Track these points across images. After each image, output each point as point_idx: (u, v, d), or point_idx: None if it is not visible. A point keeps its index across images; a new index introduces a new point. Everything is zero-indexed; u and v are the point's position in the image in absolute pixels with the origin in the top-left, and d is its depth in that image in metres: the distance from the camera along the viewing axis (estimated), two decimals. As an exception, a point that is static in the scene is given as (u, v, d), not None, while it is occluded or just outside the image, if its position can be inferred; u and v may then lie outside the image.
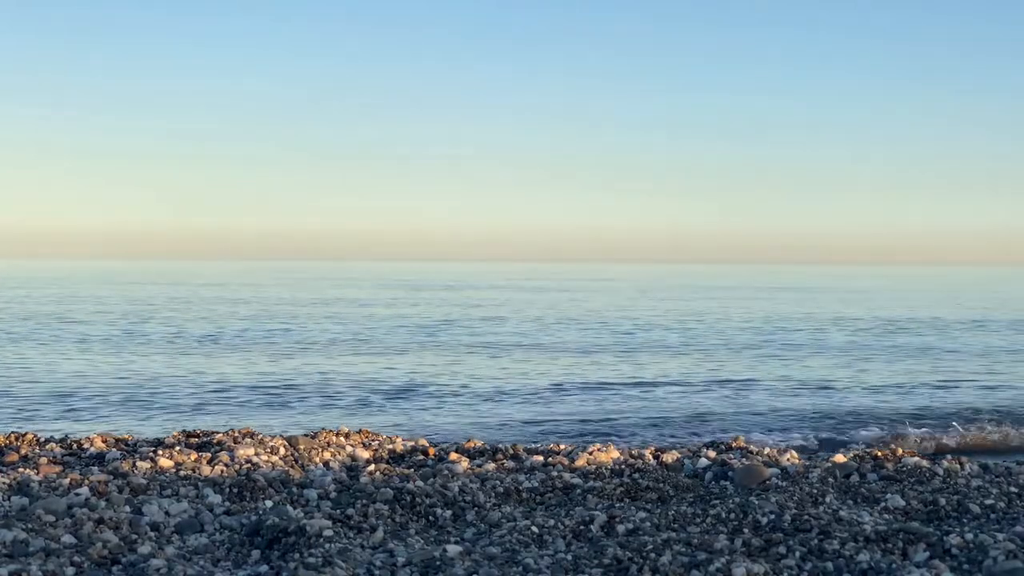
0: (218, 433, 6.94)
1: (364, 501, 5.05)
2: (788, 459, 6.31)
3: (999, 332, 28.26)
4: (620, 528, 4.71)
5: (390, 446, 6.71)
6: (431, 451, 6.59)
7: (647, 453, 6.42)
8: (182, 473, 5.62)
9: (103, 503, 4.89)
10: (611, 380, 16.78)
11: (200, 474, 5.60)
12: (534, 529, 4.65)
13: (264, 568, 4.13)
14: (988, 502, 5.22)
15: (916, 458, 6.27)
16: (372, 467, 5.85)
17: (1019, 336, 26.94)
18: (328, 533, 4.46)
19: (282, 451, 6.24)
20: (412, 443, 6.83)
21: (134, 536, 4.46)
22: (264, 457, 6.03)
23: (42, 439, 6.77)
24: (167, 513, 4.81)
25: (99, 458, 6.15)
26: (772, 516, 4.77)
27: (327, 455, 6.24)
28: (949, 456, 6.39)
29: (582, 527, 4.71)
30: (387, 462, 6.25)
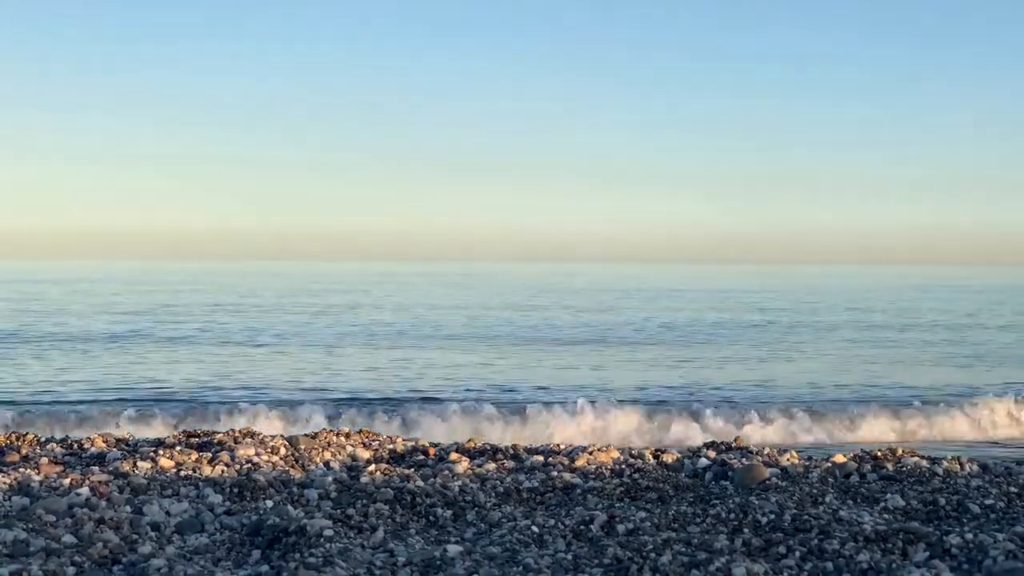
0: (219, 433, 6.95)
1: (364, 501, 5.06)
2: (788, 459, 6.31)
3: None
4: (620, 528, 4.71)
5: (390, 446, 6.71)
6: (431, 451, 6.59)
7: (647, 453, 6.42)
8: (183, 473, 5.62)
9: (104, 503, 4.89)
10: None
11: (201, 474, 5.60)
12: (534, 529, 4.66)
13: (265, 568, 4.14)
14: (988, 502, 5.23)
15: (916, 458, 6.27)
16: (372, 467, 5.85)
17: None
18: (328, 533, 4.47)
19: (283, 451, 6.24)
20: (412, 443, 6.83)
21: (135, 536, 4.47)
22: (265, 457, 6.03)
23: (43, 439, 6.78)
24: (168, 513, 4.82)
25: (100, 458, 6.15)
26: (772, 516, 4.78)
27: (328, 455, 6.24)
28: (949, 456, 6.40)
29: (582, 527, 4.71)
30: (387, 462, 6.25)
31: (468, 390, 15.52)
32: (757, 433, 12.95)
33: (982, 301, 47.22)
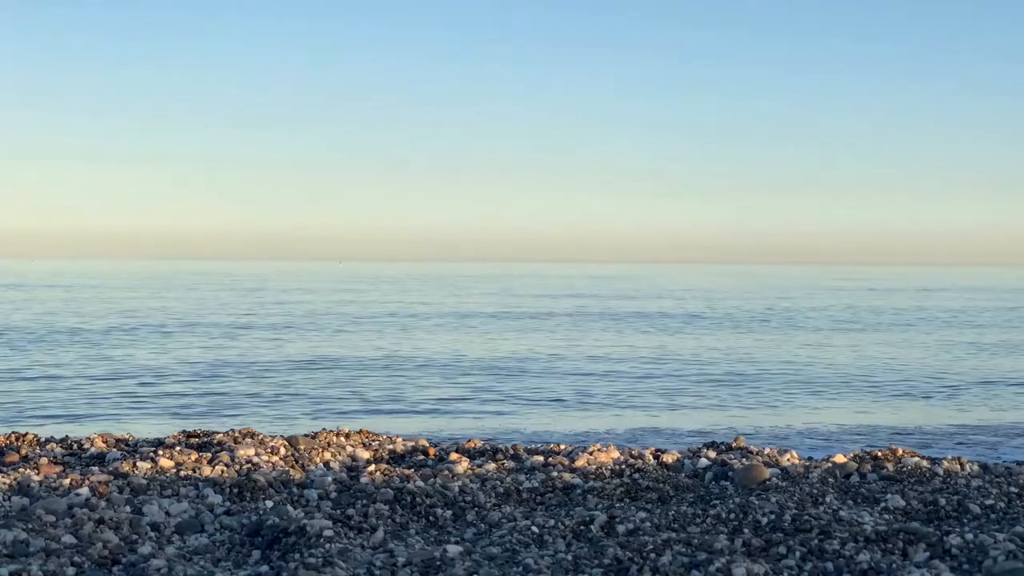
0: (218, 433, 6.94)
1: (364, 501, 5.05)
2: (788, 459, 6.31)
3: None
4: (620, 528, 4.71)
5: (390, 446, 6.71)
6: (431, 451, 6.59)
7: (647, 453, 6.42)
8: (182, 473, 5.62)
9: (103, 503, 4.89)
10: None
11: (200, 474, 5.60)
12: (534, 529, 4.65)
13: (264, 568, 4.14)
14: (988, 502, 5.22)
15: (916, 458, 6.27)
16: (372, 467, 5.85)
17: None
18: (328, 533, 4.46)
19: (282, 451, 6.24)
20: (412, 443, 6.83)
21: (134, 536, 4.47)
22: (264, 457, 6.03)
23: (42, 439, 6.78)
24: (167, 513, 4.81)
25: (99, 458, 6.15)
26: (772, 516, 4.77)
27: (327, 455, 6.24)
28: (949, 456, 6.40)
29: (582, 527, 4.71)
30: (387, 462, 6.25)
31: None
32: None
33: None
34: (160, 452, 5.98)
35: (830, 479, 5.82)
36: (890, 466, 6.07)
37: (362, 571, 4.06)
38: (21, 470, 5.65)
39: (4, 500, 4.97)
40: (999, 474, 5.90)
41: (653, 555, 4.20)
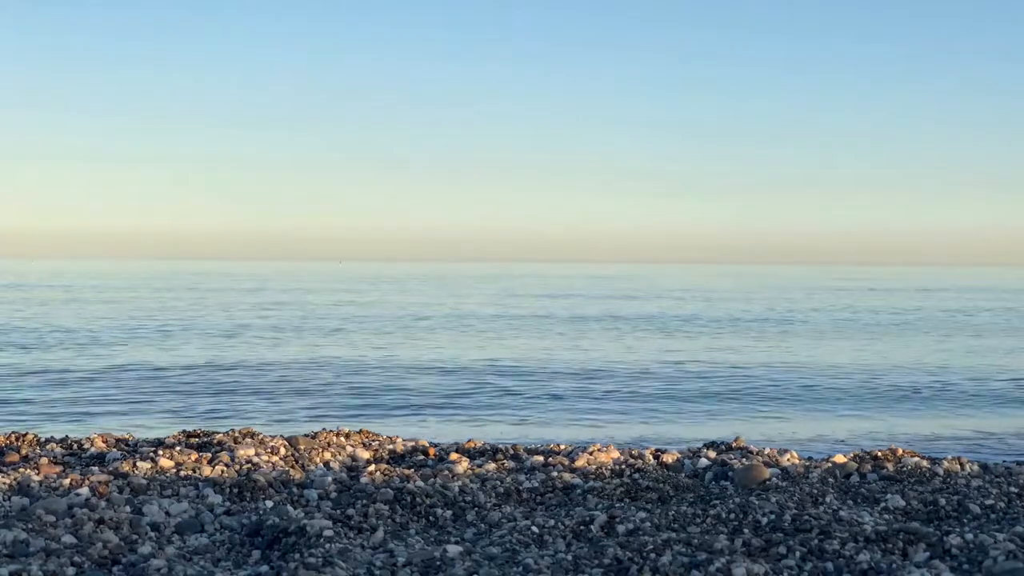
0: (218, 433, 6.95)
1: (364, 501, 5.06)
2: (788, 459, 6.31)
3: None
4: (620, 528, 4.71)
5: (390, 446, 6.71)
6: (431, 451, 6.59)
7: (647, 453, 6.42)
8: (182, 473, 5.62)
9: (103, 503, 4.89)
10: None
11: (200, 474, 5.60)
12: (534, 529, 4.65)
13: (264, 568, 4.14)
14: (988, 502, 5.23)
15: (916, 458, 6.27)
16: (372, 467, 5.85)
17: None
18: (328, 533, 4.47)
19: (282, 451, 6.24)
20: (412, 443, 6.83)
21: (134, 536, 4.47)
22: (264, 457, 6.03)
23: (42, 439, 6.78)
24: (167, 513, 4.81)
25: (99, 458, 6.15)
26: (772, 516, 4.77)
27: (327, 455, 6.24)
28: (949, 456, 6.40)
29: (582, 527, 4.71)
30: (387, 462, 6.25)
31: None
32: None
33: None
34: (160, 452, 5.98)
35: (830, 479, 5.82)
36: (890, 466, 6.07)
37: (362, 571, 4.06)
38: (21, 470, 5.65)
39: (4, 500, 4.97)
40: (999, 474, 5.90)
41: (653, 555, 4.21)
